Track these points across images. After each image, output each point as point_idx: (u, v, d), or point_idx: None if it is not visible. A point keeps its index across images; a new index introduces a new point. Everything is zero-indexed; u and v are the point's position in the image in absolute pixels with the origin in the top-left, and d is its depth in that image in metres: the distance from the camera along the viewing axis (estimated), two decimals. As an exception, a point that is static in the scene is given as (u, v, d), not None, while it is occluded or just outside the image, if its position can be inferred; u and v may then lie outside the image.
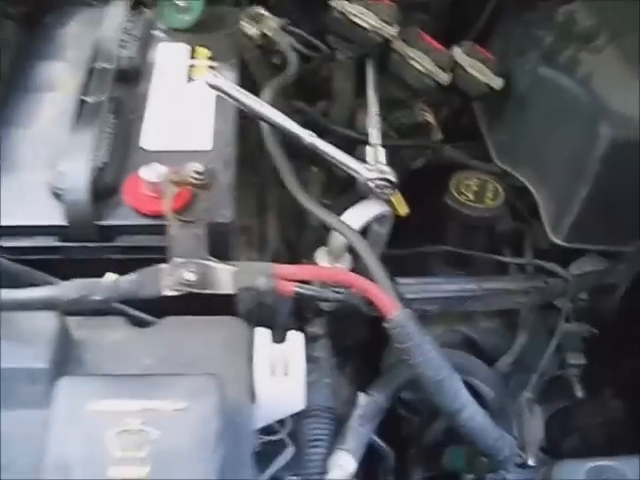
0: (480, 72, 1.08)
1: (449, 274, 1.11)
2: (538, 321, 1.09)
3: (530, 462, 0.98)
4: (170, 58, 1.01)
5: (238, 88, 0.86)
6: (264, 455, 0.80)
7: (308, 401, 0.85)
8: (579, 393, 1.08)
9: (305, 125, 1.12)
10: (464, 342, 1.07)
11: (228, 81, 0.85)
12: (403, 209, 1.07)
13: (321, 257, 0.91)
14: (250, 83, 1.16)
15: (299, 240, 1.14)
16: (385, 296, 0.76)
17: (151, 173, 0.77)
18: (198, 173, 0.70)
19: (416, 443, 1.12)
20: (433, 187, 1.10)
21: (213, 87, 0.84)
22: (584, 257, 1.08)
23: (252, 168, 1.14)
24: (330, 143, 0.96)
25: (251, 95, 0.86)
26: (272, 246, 1.07)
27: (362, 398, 0.90)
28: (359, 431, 0.87)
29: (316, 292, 0.76)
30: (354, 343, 1.08)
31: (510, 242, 1.16)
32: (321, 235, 0.97)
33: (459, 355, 1.00)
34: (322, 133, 1.13)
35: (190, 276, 0.71)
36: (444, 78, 1.06)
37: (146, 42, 1.02)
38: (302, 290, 0.73)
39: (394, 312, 0.75)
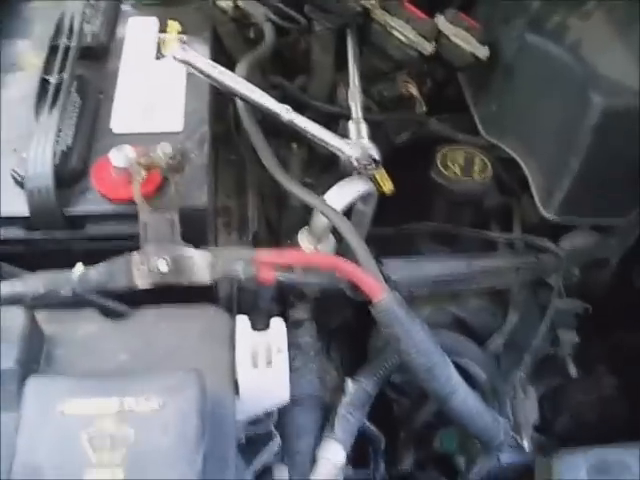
0: (465, 41, 1.03)
1: (436, 251, 1.08)
2: (529, 298, 1.06)
3: (524, 445, 0.95)
4: (139, 33, 0.96)
5: (210, 62, 0.81)
6: (250, 445, 0.77)
7: (293, 389, 0.82)
8: (573, 372, 1.05)
9: (283, 101, 1.07)
10: (453, 322, 1.04)
11: (199, 55, 0.80)
12: (387, 186, 1.03)
13: (303, 239, 0.87)
14: (225, 58, 1.11)
15: (281, 220, 1.10)
16: (371, 279, 0.72)
17: (120, 156, 0.72)
18: (168, 155, 0.66)
19: (407, 426, 1.09)
20: (418, 162, 1.06)
21: (182, 62, 0.79)
22: (574, 231, 1.05)
23: (230, 146, 1.10)
24: (310, 119, 0.92)
25: (224, 69, 0.81)
26: (252, 227, 1.03)
27: (350, 385, 0.87)
28: (347, 419, 0.84)
29: (299, 278, 0.72)
30: (340, 325, 1.05)
31: (498, 217, 1.12)
32: (303, 215, 0.93)
33: (449, 336, 0.97)
34: (301, 109, 1.10)
35: (163, 265, 0.67)
36: (428, 48, 1.02)
37: (113, 16, 0.96)
38: (284, 277, 0.69)
39: (380, 296, 0.72)
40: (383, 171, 1.02)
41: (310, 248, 0.85)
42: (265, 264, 0.69)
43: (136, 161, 0.66)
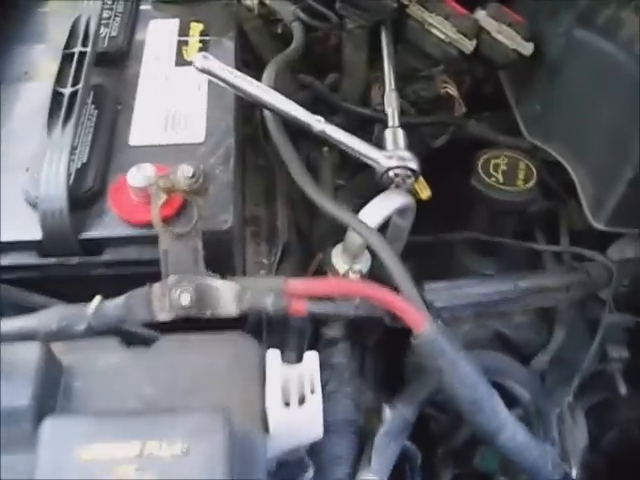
0: (508, 37, 0.96)
1: (477, 262, 1.01)
2: (576, 313, 0.99)
3: (573, 473, 0.89)
4: (160, 36, 0.90)
5: (233, 71, 0.74)
6: (280, 469, 0.72)
7: (327, 414, 0.78)
8: (622, 390, 0.98)
9: (314, 102, 1.01)
10: (495, 338, 0.97)
11: (221, 63, 0.74)
12: (425, 192, 0.97)
13: (337, 256, 0.81)
14: (252, 56, 1.06)
15: (312, 229, 1.04)
16: (412, 309, 0.66)
17: (139, 176, 0.66)
18: (189, 177, 0.60)
19: (445, 442, 1.03)
20: (457, 166, 0.99)
21: (204, 72, 0.73)
22: (623, 239, 0.98)
23: (258, 149, 1.04)
24: (342, 122, 0.86)
25: (249, 79, 0.75)
26: (282, 238, 0.97)
27: (387, 412, 0.81)
28: (385, 450, 0.79)
29: (333, 309, 0.66)
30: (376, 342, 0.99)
31: (543, 223, 1.06)
32: (336, 223, 0.87)
33: (492, 356, 0.91)
34: (333, 111, 1.04)
35: (186, 298, 0.61)
36: (468, 46, 0.95)
37: (132, 18, 0.90)
38: (317, 309, 0.64)
39: (423, 327, 0.66)
40: (420, 177, 0.96)
41: (345, 267, 0.79)
42: (296, 294, 0.63)
43: (155, 184, 0.61)
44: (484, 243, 0.99)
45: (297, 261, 0.98)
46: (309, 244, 1.03)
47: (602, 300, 0.97)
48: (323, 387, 0.86)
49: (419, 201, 0.94)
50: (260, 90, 0.76)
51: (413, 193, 0.95)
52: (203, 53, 0.74)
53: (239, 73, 0.75)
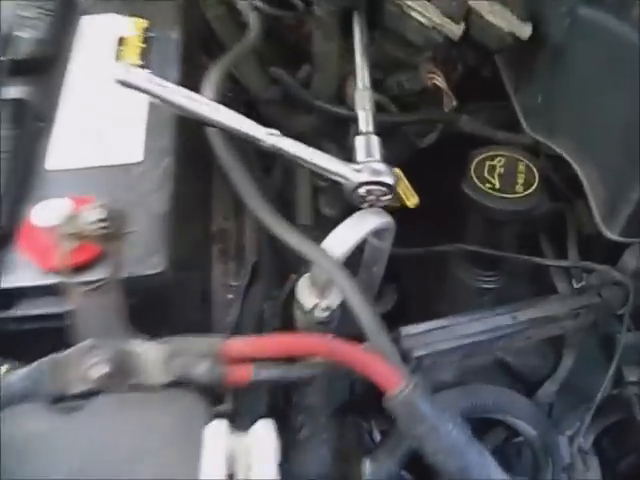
0: (502, 18, 0.83)
1: (475, 276, 0.90)
2: (586, 336, 0.88)
3: (586, 522, 0.78)
4: (96, 37, 0.78)
5: (163, 82, 0.62)
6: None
7: (301, 466, 0.67)
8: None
9: (284, 98, 0.90)
10: (496, 366, 0.86)
11: (149, 74, 0.61)
12: (412, 199, 0.86)
13: (304, 290, 0.69)
14: (217, 46, 0.95)
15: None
16: (382, 366, 0.55)
17: (46, 215, 0.55)
18: (97, 222, 0.49)
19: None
20: (449, 168, 0.87)
21: (127, 86, 0.61)
22: (633, 247, 0.85)
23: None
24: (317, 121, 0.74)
25: (184, 91, 0.62)
26: (251, 257, 0.86)
27: (368, 466, 0.71)
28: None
29: (284, 374, 0.55)
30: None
31: (548, 226, 0.94)
32: (312, 237, 0.76)
33: (492, 392, 0.79)
34: (305, 109, 0.93)
35: (102, 368, 0.50)
36: (455, 31, 0.82)
37: (64, 16, 0.78)
38: (264, 375, 0.52)
39: (397, 387, 0.55)
40: (406, 182, 0.85)
41: (312, 303, 0.67)
42: (237, 357, 0.52)
43: (59, 231, 0.50)
44: (482, 255, 0.87)
45: (269, 282, 0.87)
46: (285, 260, 0.92)
47: (616, 314, 0.85)
48: (297, 431, 0.76)
49: (406, 208, 0.83)
50: (197, 104, 0.63)
51: (399, 199, 0.84)
52: (126, 65, 0.62)
53: (172, 85, 0.62)
